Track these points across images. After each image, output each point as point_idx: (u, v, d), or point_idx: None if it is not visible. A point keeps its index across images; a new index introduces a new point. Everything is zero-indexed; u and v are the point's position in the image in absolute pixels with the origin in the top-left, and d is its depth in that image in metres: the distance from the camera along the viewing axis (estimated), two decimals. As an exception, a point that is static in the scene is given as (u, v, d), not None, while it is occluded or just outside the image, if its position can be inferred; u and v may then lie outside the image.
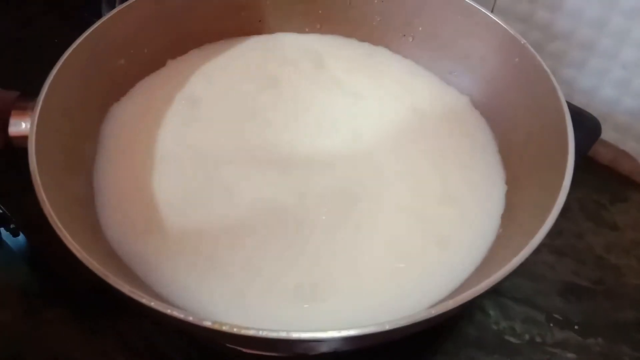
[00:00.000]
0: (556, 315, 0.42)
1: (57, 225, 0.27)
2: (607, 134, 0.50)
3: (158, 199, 0.36)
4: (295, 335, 0.23)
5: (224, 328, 0.24)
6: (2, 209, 0.41)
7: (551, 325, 0.42)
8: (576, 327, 0.41)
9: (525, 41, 0.36)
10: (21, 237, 0.42)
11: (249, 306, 0.32)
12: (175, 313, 0.24)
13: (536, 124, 0.35)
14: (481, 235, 0.35)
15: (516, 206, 0.35)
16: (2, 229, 0.42)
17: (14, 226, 0.41)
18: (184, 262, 0.34)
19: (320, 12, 0.46)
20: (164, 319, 0.25)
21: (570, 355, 0.40)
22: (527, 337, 0.41)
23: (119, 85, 0.40)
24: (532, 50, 0.36)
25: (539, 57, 0.35)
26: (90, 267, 0.26)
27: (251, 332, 0.24)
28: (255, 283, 0.33)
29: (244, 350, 0.33)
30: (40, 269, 0.42)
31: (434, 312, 0.24)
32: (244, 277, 0.33)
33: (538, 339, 0.41)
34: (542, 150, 0.34)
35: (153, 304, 0.24)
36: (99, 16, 0.52)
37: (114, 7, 0.51)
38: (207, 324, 0.24)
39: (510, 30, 0.37)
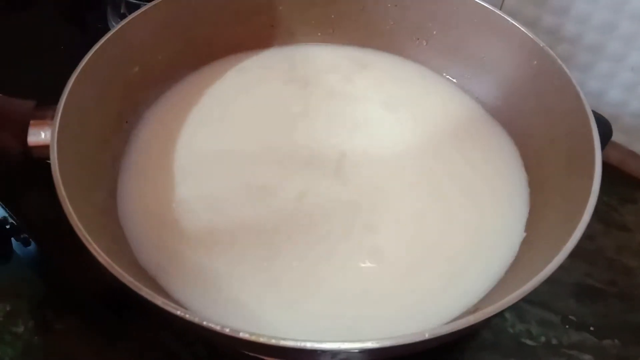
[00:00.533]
0: (571, 317, 0.42)
1: (87, 239, 0.26)
2: (615, 136, 0.50)
3: (182, 206, 0.36)
4: (335, 346, 0.23)
5: (262, 339, 0.23)
6: (13, 219, 0.40)
7: (567, 327, 0.42)
8: (591, 328, 0.42)
9: (544, 44, 0.36)
10: (32, 247, 0.41)
11: (265, 313, 0.32)
12: (212, 325, 0.24)
13: (557, 127, 0.35)
14: (504, 242, 0.35)
15: (540, 210, 0.35)
16: (12, 239, 0.41)
17: (25, 236, 0.41)
18: (205, 269, 0.34)
19: (333, 16, 0.45)
20: (195, 329, 0.25)
21: (587, 357, 0.40)
22: (543, 339, 0.41)
23: (136, 93, 0.40)
24: (552, 53, 0.36)
25: (559, 61, 0.35)
26: (123, 280, 0.25)
27: (290, 344, 0.23)
28: (271, 291, 0.33)
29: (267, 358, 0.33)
30: (52, 279, 0.42)
31: (473, 319, 0.23)
32: (264, 286, 0.33)
33: (554, 341, 0.41)
34: (565, 154, 0.34)
35: (188, 315, 0.24)
36: (104, 22, 0.52)
37: (119, 13, 0.51)
38: (245, 335, 0.24)
39: (528, 34, 0.37)
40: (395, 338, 0.23)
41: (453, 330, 0.23)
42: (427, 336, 0.23)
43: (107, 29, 0.37)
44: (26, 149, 0.32)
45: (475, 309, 0.30)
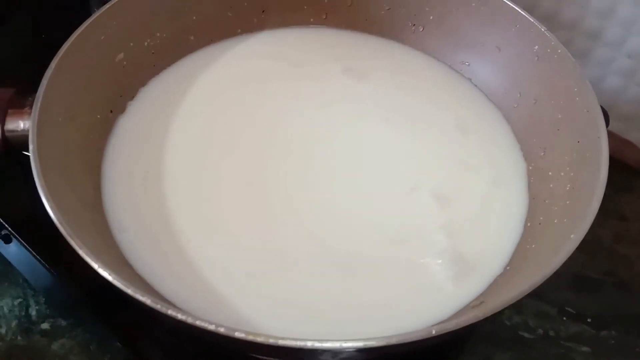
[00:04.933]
0: (568, 309, 0.42)
1: (70, 235, 0.25)
2: (611, 124, 0.49)
3: (171, 200, 0.34)
4: (337, 345, 0.22)
5: (259, 339, 0.22)
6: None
7: (564, 319, 0.41)
8: (589, 320, 0.41)
9: (545, 28, 0.35)
10: (14, 244, 0.39)
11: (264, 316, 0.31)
12: (205, 324, 0.22)
13: (560, 114, 0.35)
14: (505, 232, 0.34)
15: (543, 200, 0.34)
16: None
17: (6, 232, 0.39)
18: (196, 267, 0.32)
19: (325, 1, 0.44)
20: (188, 329, 0.24)
21: (584, 348, 0.40)
22: (540, 331, 0.40)
23: (121, 81, 0.38)
24: (554, 38, 0.35)
25: (562, 46, 0.34)
26: (108, 278, 0.24)
27: (289, 343, 0.22)
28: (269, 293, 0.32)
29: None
30: (35, 277, 0.40)
31: (481, 314, 0.23)
32: (263, 287, 0.32)
33: (552, 333, 0.40)
34: (570, 143, 0.33)
35: (198, 322, 0.23)
36: (87, 10, 0.49)
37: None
38: (240, 335, 0.22)
39: (529, 17, 0.36)
40: (401, 335, 0.22)
41: (460, 327, 0.22)
42: (434, 333, 0.22)
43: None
44: (4, 140, 0.31)
45: (480, 301, 0.29)
